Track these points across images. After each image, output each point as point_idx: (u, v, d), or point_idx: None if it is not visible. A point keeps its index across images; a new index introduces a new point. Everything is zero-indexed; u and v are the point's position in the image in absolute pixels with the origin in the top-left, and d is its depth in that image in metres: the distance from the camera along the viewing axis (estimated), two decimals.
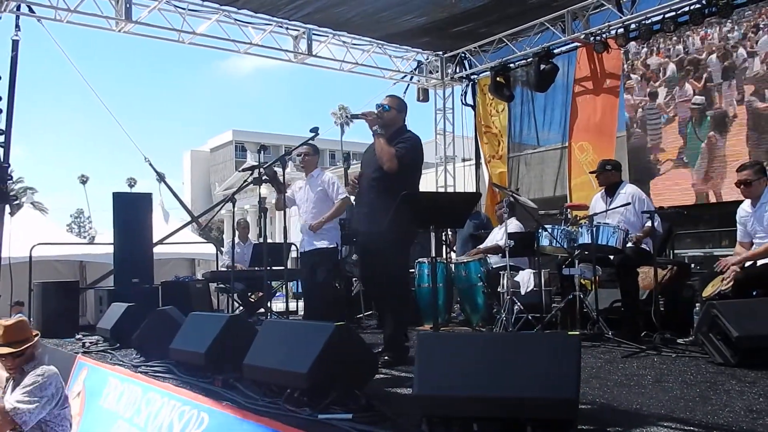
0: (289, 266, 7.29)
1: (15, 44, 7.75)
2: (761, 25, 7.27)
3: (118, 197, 7.24)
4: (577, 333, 2.60)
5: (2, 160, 7.25)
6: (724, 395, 3.10)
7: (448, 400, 2.39)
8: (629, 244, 5.22)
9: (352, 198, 6.94)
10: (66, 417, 3.97)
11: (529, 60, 9.36)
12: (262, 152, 5.09)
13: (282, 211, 5.59)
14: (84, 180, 53.80)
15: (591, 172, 5.91)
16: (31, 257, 7.70)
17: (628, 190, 5.60)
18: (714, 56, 7.70)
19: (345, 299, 7.23)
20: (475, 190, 10.46)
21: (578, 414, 2.37)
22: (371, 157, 4.42)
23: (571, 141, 9.25)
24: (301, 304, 6.34)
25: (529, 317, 5.50)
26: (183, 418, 3.35)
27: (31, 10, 7.88)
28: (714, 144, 7.69)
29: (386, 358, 4.30)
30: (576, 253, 5.32)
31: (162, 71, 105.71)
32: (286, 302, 5.35)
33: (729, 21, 7.50)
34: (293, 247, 7.53)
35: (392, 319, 4.43)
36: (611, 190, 5.64)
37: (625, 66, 8.58)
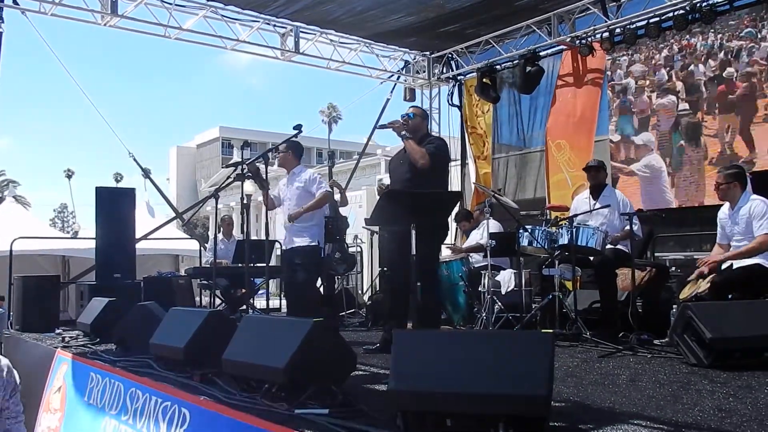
0: (274, 263, 7.32)
1: None
2: (745, 33, 7.34)
3: (100, 192, 7.19)
4: (551, 331, 2.64)
5: None
6: (695, 395, 3.16)
7: (423, 396, 2.41)
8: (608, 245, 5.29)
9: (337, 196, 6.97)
10: (18, 403, 3.95)
11: (515, 62, 9.41)
12: (245, 149, 5.10)
13: (269, 209, 5.57)
14: (69, 174, 53.20)
15: (587, 168, 5.77)
16: (11, 251, 7.64)
17: (611, 193, 5.68)
18: (697, 65, 7.77)
19: (328, 298, 7.25)
20: (460, 190, 10.49)
21: (551, 411, 2.41)
22: (399, 163, 4.74)
23: (548, 139, 9.30)
24: (284, 301, 6.34)
25: (510, 317, 5.55)
26: (167, 414, 3.35)
27: (15, 1, 7.81)
28: (694, 152, 7.77)
29: (377, 345, 4.60)
30: (556, 253, 5.38)
31: (155, 65, 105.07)
32: (267, 299, 5.34)
33: (712, 30, 7.57)
34: (278, 244, 7.53)
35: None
36: (596, 191, 5.69)
37: (609, 71, 8.66)
